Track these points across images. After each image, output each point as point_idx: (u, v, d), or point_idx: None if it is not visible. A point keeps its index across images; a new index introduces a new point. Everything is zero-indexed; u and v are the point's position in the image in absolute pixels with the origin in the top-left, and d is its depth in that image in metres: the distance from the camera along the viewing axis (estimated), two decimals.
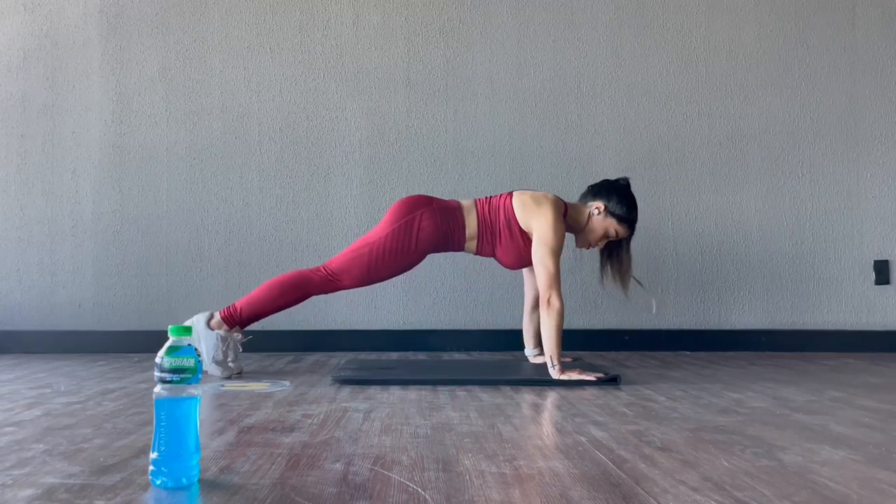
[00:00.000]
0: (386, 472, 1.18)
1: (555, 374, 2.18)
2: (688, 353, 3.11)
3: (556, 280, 2.26)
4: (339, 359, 2.86)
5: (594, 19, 3.30)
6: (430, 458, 1.27)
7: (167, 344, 1.13)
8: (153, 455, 1.11)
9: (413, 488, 1.09)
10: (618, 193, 2.40)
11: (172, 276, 3.20)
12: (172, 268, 3.21)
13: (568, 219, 2.42)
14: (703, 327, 3.22)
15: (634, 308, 3.16)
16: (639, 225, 2.48)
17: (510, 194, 2.43)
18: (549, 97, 3.28)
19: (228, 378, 2.32)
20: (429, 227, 2.37)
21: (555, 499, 1.04)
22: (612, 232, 2.41)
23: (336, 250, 3.22)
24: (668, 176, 3.27)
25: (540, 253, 2.29)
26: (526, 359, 2.67)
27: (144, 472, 1.17)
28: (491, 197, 2.47)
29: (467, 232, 2.42)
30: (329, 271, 2.39)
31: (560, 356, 2.22)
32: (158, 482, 1.10)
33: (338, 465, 1.22)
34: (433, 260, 3.13)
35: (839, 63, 3.30)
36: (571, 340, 2.98)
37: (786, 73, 3.30)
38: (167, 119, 3.25)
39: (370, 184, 3.25)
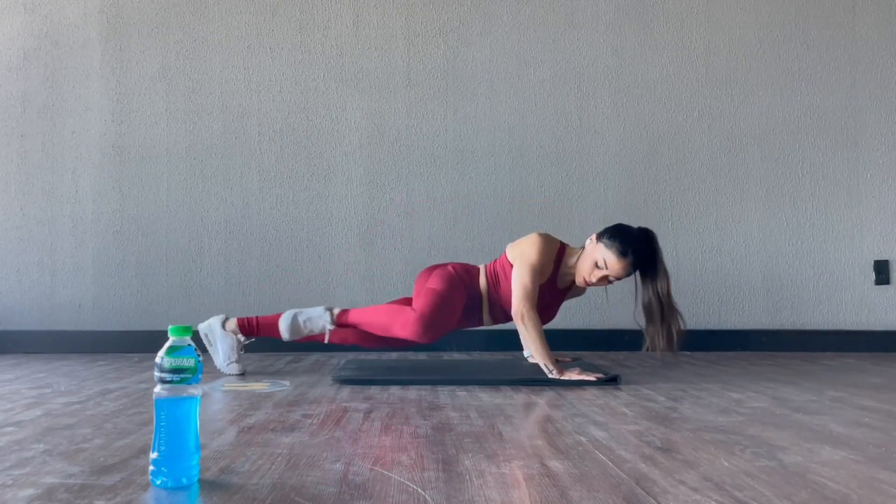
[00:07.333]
0: (386, 472, 1.18)
1: (554, 376, 2.18)
2: (688, 353, 3.11)
3: (530, 297, 2.27)
4: (339, 359, 2.86)
5: (594, 18, 3.30)
6: (430, 458, 1.27)
7: (167, 344, 1.13)
8: (153, 455, 1.11)
9: (413, 488, 1.09)
10: (615, 228, 2.36)
11: (172, 276, 3.20)
12: (172, 268, 3.21)
13: (565, 256, 2.41)
14: (703, 327, 3.22)
15: (635, 308, 3.16)
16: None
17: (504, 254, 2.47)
18: (549, 96, 3.28)
19: (242, 375, 2.41)
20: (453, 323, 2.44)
21: (555, 499, 1.04)
22: (601, 262, 2.29)
23: (336, 249, 3.22)
24: (668, 176, 3.27)
25: (519, 270, 2.31)
26: (525, 360, 2.67)
27: (144, 472, 1.17)
28: (494, 262, 2.50)
29: (484, 321, 2.53)
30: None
31: (553, 360, 2.22)
32: (158, 482, 1.10)
33: (338, 465, 1.22)
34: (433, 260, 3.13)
35: (839, 63, 3.30)
36: (571, 340, 2.99)
37: (786, 73, 3.30)
38: (167, 119, 3.25)
39: (370, 184, 3.25)
